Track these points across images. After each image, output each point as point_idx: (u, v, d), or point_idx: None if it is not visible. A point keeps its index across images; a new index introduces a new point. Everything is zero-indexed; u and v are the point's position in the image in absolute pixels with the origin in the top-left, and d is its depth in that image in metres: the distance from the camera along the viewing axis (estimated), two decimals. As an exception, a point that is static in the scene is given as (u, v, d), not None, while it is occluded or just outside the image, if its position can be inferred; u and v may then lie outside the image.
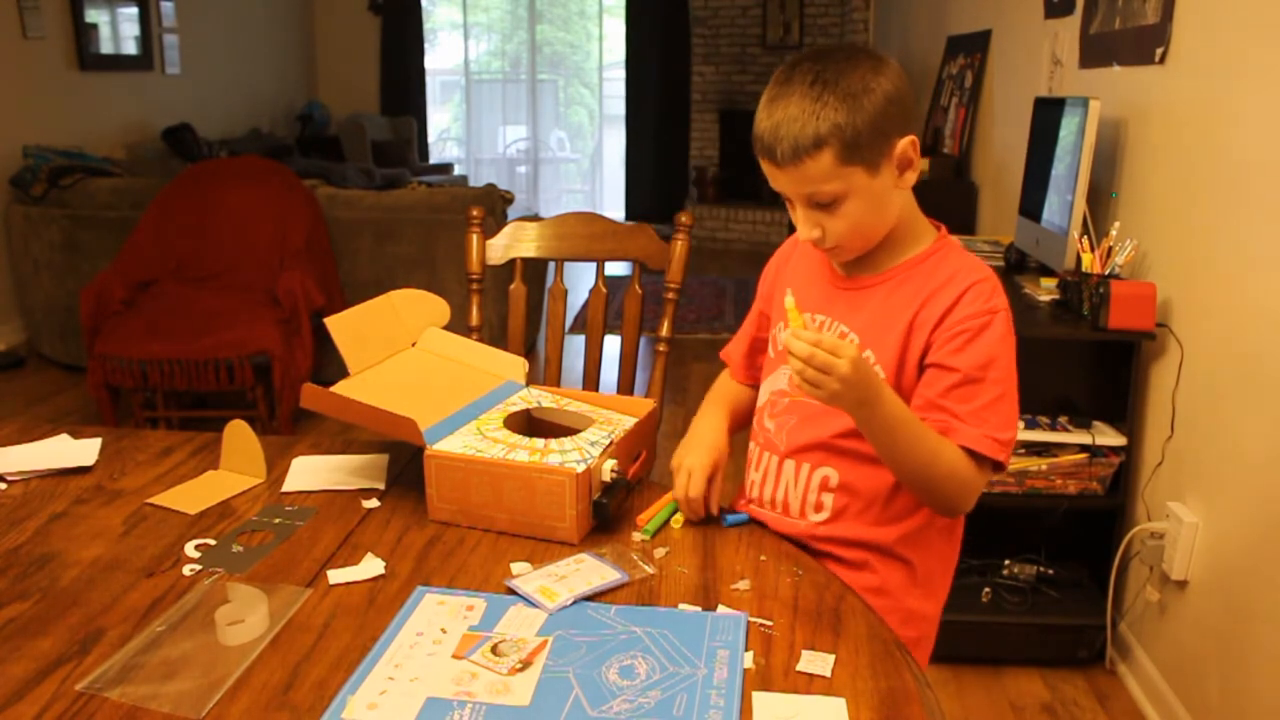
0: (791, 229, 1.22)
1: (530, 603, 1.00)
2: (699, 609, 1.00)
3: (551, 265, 1.81)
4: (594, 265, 1.72)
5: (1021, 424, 2.07)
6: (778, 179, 1.12)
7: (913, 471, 1.10)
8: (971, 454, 1.09)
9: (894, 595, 1.21)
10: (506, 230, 1.73)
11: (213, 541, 1.15)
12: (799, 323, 1.03)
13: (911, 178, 1.13)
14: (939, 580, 1.25)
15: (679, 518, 1.20)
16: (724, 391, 1.41)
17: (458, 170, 8.19)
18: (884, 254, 1.18)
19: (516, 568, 1.08)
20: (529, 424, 1.34)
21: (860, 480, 1.19)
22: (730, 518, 1.20)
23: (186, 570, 1.08)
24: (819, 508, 1.21)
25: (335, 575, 1.06)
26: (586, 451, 1.18)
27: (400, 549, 1.13)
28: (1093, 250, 2.10)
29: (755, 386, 1.36)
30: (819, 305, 1.22)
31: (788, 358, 1.01)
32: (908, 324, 1.14)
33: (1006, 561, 2.24)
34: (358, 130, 7.00)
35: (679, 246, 1.66)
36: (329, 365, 3.16)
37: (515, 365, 1.42)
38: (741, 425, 1.37)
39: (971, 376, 1.10)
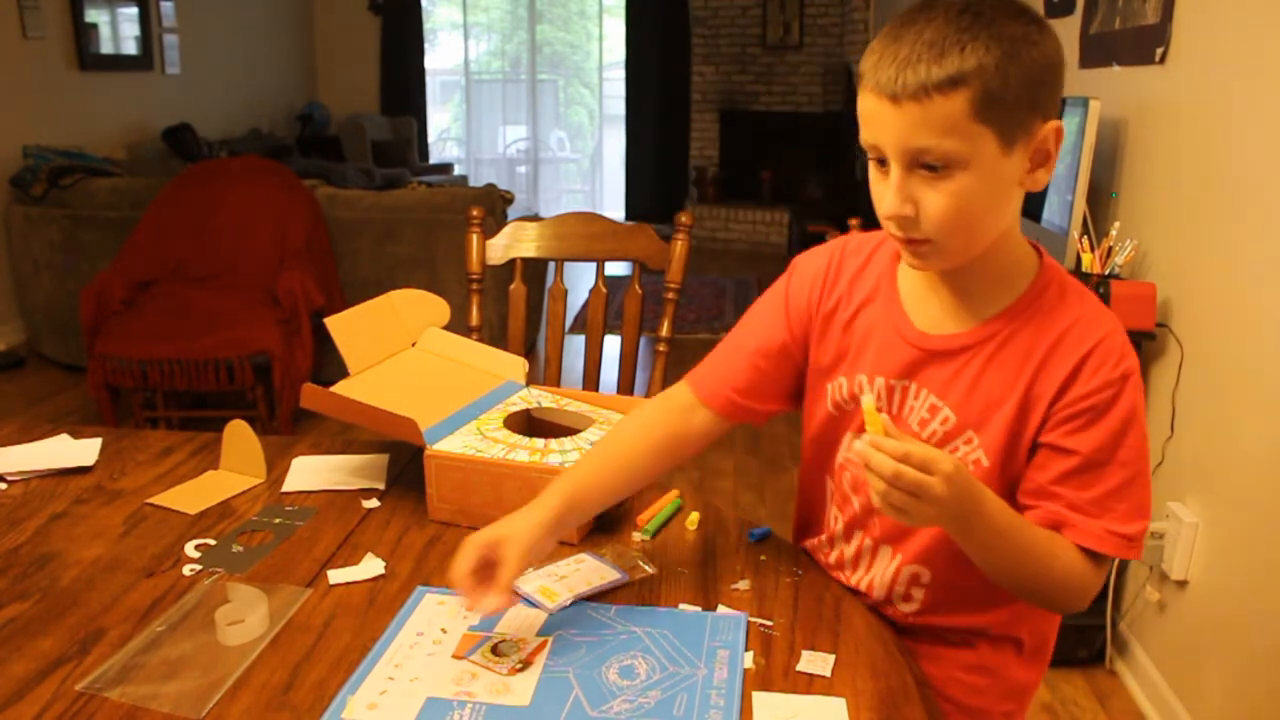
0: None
1: (530, 603, 1.00)
2: (699, 609, 1.00)
3: (551, 265, 1.81)
4: (594, 265, 1.72)
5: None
6: (883, 122, 0.86)
7: (1016, 583, 0.94)
8: (1089, 553, 0.92)
9: (998, 672, 1.07)
10: (506, 230, 1.73)
11: (213, 541, 1.15)
12: (878, 428, 0.82)
13: (1043, 178, 0.90)
14: (1047, 647, 1.11)
15: (694, 518, 1.18)
16: (624, 440, 1.09)
17: (458, 170, 8.19)
18: (980, 290, 0.96)
19: (516, 568, 1.08)
20: (529, 424, 1.34)
21: (956, 577, 1.02)
22: (755, 532, 1.16)
23: (186, 570, 1.08)
24: (908, 599, 1.07)
25: (335, 575, 1.06)
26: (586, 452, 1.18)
27: (400, 549, 1.13)
28: (1093, 250, 2.10)
29: (729, 418, 1.10)
30: (897, 369, 1.00)
31: (865, 471, 0.83)
32: (1019, 402, 0.93)
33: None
34: (358, 130, 7.00)
35: (679, 246, 1.66)
36: (329, 365, 3.16)
37: (515, 365, 1.42)
38: (642, 483, 1.12)
39: (1094, 460, 0.91)
